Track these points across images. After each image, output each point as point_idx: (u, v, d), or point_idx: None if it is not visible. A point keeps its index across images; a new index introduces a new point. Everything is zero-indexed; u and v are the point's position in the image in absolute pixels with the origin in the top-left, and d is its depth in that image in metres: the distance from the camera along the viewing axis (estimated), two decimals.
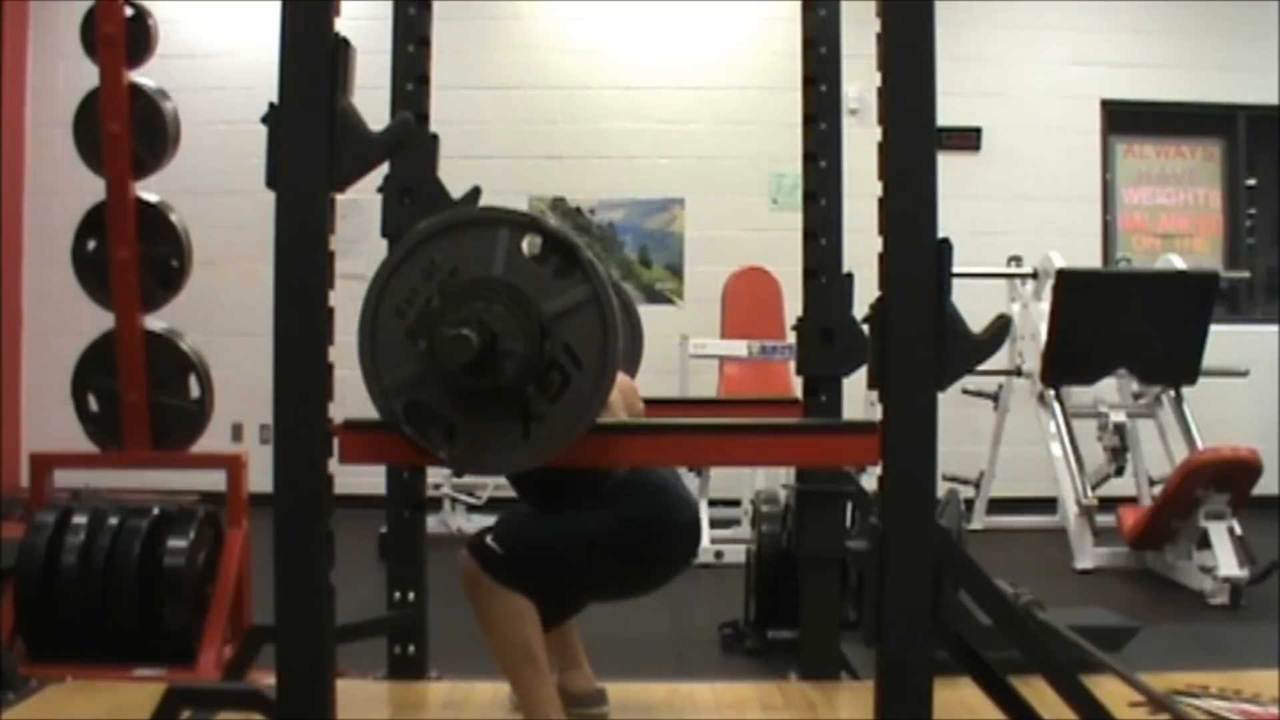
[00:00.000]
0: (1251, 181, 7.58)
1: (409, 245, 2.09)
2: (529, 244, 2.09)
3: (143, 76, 3.68)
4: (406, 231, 3.05)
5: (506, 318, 2.02)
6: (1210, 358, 5.52)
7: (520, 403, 2.06)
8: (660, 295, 7.23)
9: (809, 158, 3.19)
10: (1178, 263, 6.04)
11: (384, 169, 2.80)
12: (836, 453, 2.60)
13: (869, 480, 2.92)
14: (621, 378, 2.68)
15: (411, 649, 3.10)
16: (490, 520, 2.86)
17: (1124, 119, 7.45)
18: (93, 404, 3.71)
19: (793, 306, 3.85)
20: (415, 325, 2.06)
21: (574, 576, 2.59)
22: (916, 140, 1.92)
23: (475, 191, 3.05)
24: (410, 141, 2.57)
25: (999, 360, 5.30)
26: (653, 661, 3.78)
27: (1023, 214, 7.10)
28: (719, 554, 5.36)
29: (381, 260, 2.12)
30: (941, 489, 2.47)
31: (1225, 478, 4.81)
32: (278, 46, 1.93)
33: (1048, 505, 6.16)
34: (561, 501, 2.56)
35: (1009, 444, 6.39)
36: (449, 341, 1.99)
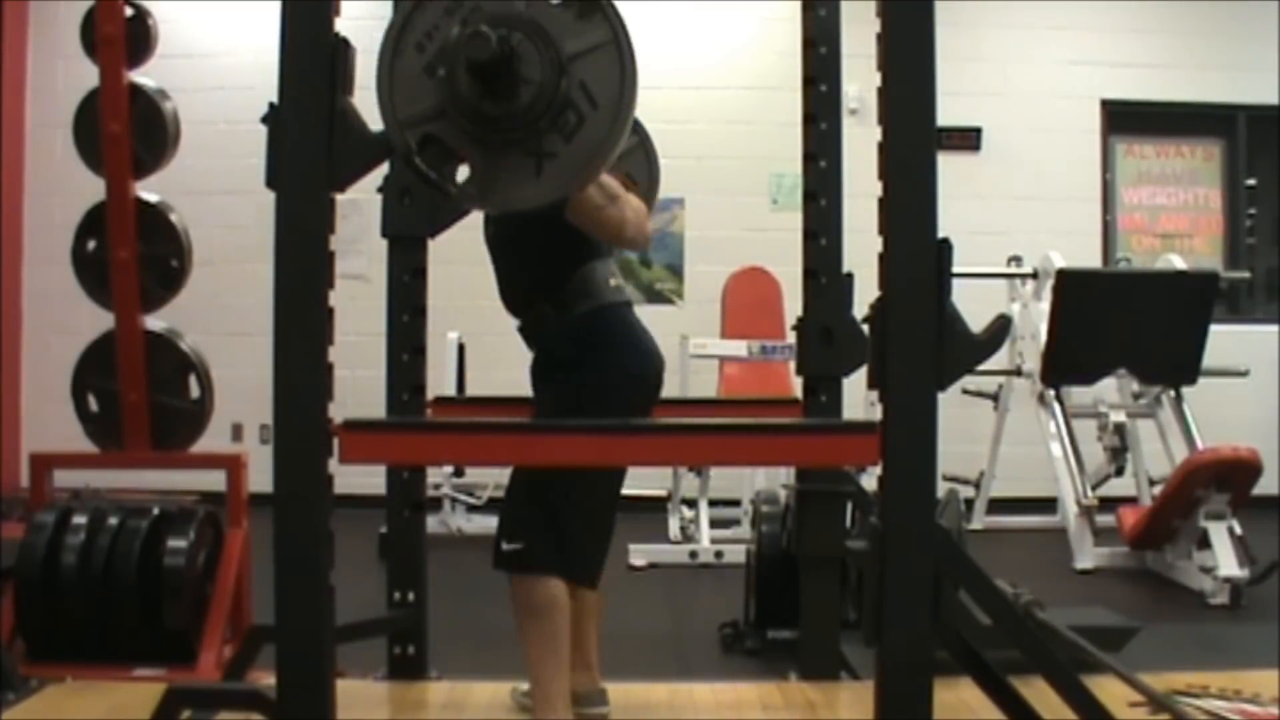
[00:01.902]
0: (1251, 181, 7.58)
1: None
2: None
3: (143, 76, 3.68)
4: (406, 232, 3.09)
5: (527, 46, 1.99)
6: (1210, 358, 5.52)
7: (535, 139, 2.03)
8: (660, 295, 7.23)
9: (809, 158, 3.19)
10: (1178, 263, 6.04)
11: (384, 169, 2.80)
12: (836, 453, 2.60)
13: (869, 480, 2.92)
14: (635, 198, 2.67)
15: (411, 649, 3.10)
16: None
17: (1124, 119, 7.45)
18: (93, 404, 3.71)
19: (793, 306, 3.84)
20: (435, 58, 2.01)
21: (579, 499, 2.61)
22: (916, 140, 1.92)
23: None
24: None
25: (999, 360, 5.32)
26: (653, 661, 3.78)
27: (1023, 214, 7.10)
28: (719, 554, 5.36)
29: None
30: (941, 489, 2.47)
31: (1225, 478, 4.81)
32: (278, 46, 1.93)
33: (1048, 505, 6.16)
34: (530, 292, 2.60)
35: (1009, 444, 6.38)
36: (468, 38, 1.94)
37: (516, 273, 2.70)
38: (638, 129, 3.16)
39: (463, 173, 2.07)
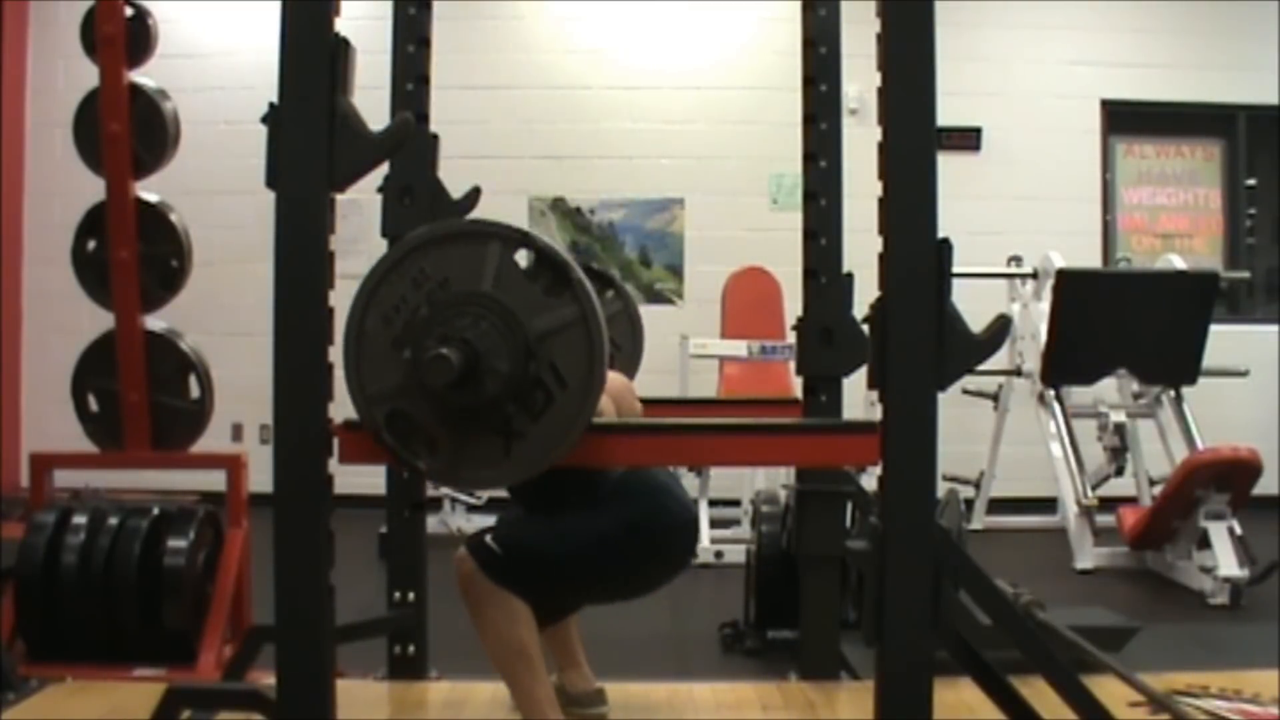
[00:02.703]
0: (1251, 181, 7.58)
1: (400, 253, 2.08)
2: (521, 259, 2.08)
3: (143, 76, 3.68)
4: (406, 233, 3.08)
5: (493, 335, 2.01)
6: (1210, 358, 5.52)
7: (502, 419, 2.05)
8: (660, 295, 7.23)
9: (809, 158, 3.19)
10: (1178, 263, 6.04)
11: (384, 169, 2.80)
12: (836, 453, 2.60)
13: (869, 480, 2.92)
14: (618, 378, 2.68)
15: (411, 649, 3.10)
16: (491, 520, 2.86)
17: (1124, 119, 7.45)
18: (93, 404, 3.71)
19: (793, 306, 3.85)
20: (402, 334, 2.04)
21: (571, 579, 2.58)
22: (916, 140, 1.92)
23: (475, 191, 3.06)
24: (410, 141, 2.57)
25: (999, 360, 5.30)
26: (653, 661, 3.78)
27: (1023, 214, 7.10)
28: (719, 554, 5.36)
29: (371, 266, 2.11)
30: (941, 489, 2.47)
31: (1225, 478, 4.81)
32: (278, 46, 1.93)
33: (1048, 505, 6.16)
34: (554, 504, 2.55)
35: (1009, 444, 6.39)
36: (429, 361, 1.98)
37: (531, 489, 2.59)
38: (620, 293, 3.18)
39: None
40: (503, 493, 2.71)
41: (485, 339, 2.01)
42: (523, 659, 2.48)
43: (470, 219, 2.10)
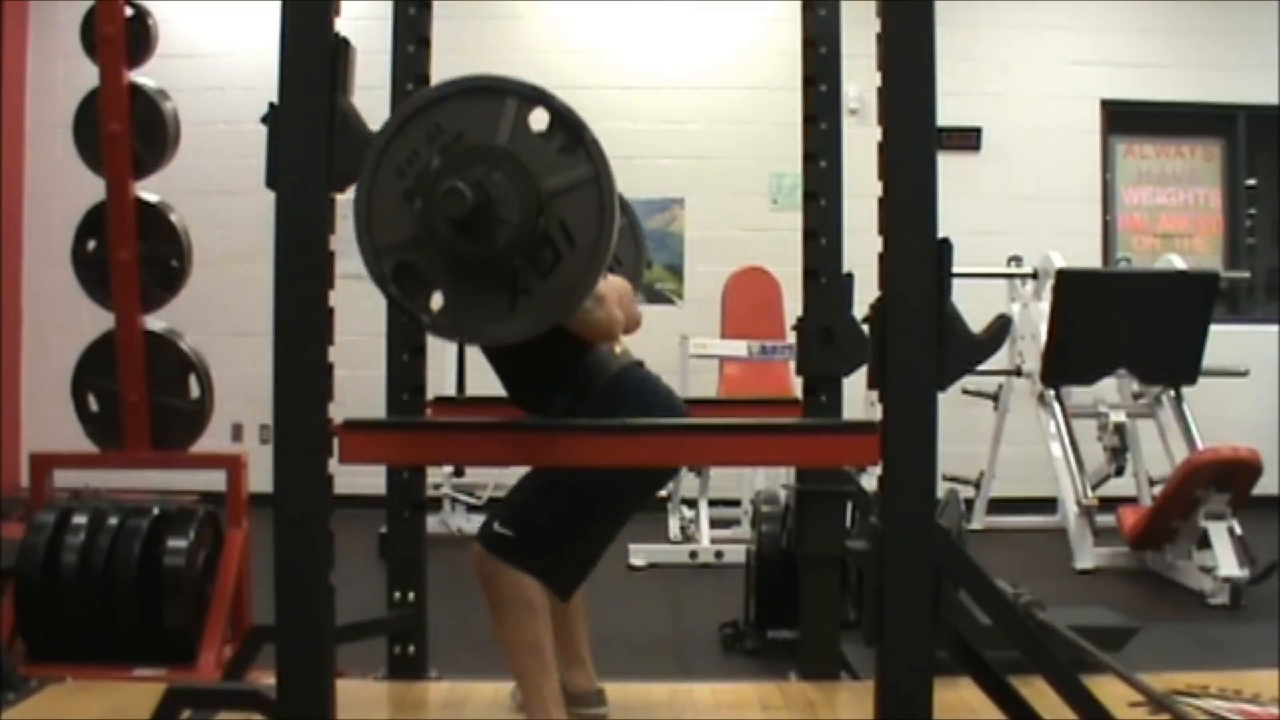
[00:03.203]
0: (1251, 181, 7.58)
1: (415, 107, 2.05)
2: (536, 118, 2.05)
3: (143, 76, 3.68)
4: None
5: (505, 186, 1.99)
6: (1210, 358, 5.52)
7: (510, 275, 2.03)
8: (660, 295, 7.23)
9: (809, 158, 3.19)
10: (1178, 263, 6.03)
11: None
12: (836, 453, 2.61)
13: (869, 480, 2.92)
14: (620, 281, 2.67)
15: (411, 649, 3.10)
16: None
17: (1124, 119, 7.45)
18: (93, 404, 3.71)
19: (793, 306, 3.85)
20: (413, 187, 2.02)
21: (583, 514, 2.59)
22: (916, 140, 1.92)
23: None
24: None
25: (999, 360, 5.31)
26: (653, 661, 3.78)
27: (1023, 214, 7.10)
28: (719, 554, 5.36)
29: (385, 121, 2.08)
30: (941, 489, 2.47)
31: (1225, 478, 4.81)
32: (278, 46, 1.93)
33: (1048, 505, 6.16)
34: (545, 398, 2.57)
35: (1009, 444, 6.38)
36: (443, 194, 1.95)
37: (525, 376, 2.67)
38: (624, 208, 3.17)
39: (438, 298, 2.07)
40: (502, 493, 2.71)
41: (498, 188, 1.99)
42: (535, 655, 2.51)
43: (486, 74, 2.06)
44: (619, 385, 2.61)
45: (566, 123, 2.04)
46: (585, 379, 2.59)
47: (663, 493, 5.89)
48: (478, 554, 2.53)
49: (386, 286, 2.06)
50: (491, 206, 1.98)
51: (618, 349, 2.68)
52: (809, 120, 3.19)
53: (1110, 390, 5.92)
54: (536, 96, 2.04)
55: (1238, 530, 4.76)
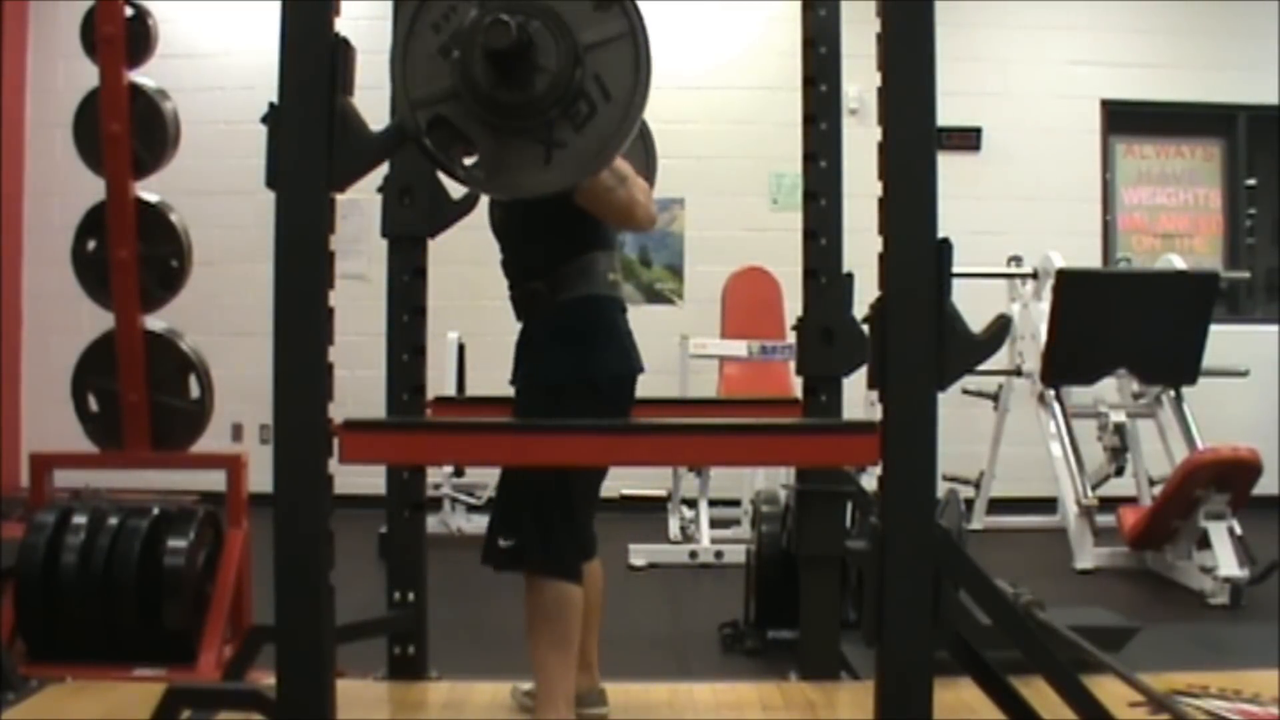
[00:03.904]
0: (1251, 181, 7.58)
1: None
2: None
3: (143, 76, 3.68)
4: (406, 233, 3.08)
5: (544, 34, 1.99)
6: (1210, 358, 5.52)
7: (545, 127, 2.03)
8: (660, 295, 7.23)
9: (809, 158, 3.19)
10: (1178, 263, 6.04)
11: (384, 169, 2.80)
12: (836, 453, 2.60)
13: (869, 480, 2.92)
14: (640, 180, 2.68)
15: (411, 649, 3.10)
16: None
17: (1124, 119, 7.45)
18: (93, 404, 3.71)
19: (793, 306, 3.84)
20: (451, 39, 2.01)
21: (567, 483, 2.59)
22: (916, 140, 1.92)
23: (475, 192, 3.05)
24: (410, 142, 2.57)
25: (999, 360, 5.31)
26: (653, 661, 3.79)
27: (1023, 214, 7.10)
28: (719, 554, 5.36)
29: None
30: (941, 489, 2.47)
31: (1225, 478, 4.81)
32: (278, 46, 1.93)
33: (1048, 505, 6.15)
34: (531, 262, 2.61)
35: (1009, 444, 6.38)
36: (488, 26, 1.94)
37: (521, 251, 2.69)
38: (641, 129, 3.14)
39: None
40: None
41: (538, 34, 1.98)
42: (560, 652, 2.54)
43: None
44: (591, 306, 2.61)
45: None
46: (568, 278, 2.59)
47: (662, 493, 5.91)
48: (528, 589, 2.57)
49: (421, 140, 2.05)
50: (532, 51, 1.97)
51: (612, 276, 2.68)
52: (809, 120, 3.19)
53: (1110, 390, 5.93)
54: None
55: (1238, 530, 4.76)
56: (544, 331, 2.62)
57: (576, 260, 2.61)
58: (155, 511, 3.44)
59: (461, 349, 6.08)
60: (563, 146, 2.03)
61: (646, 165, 3.08)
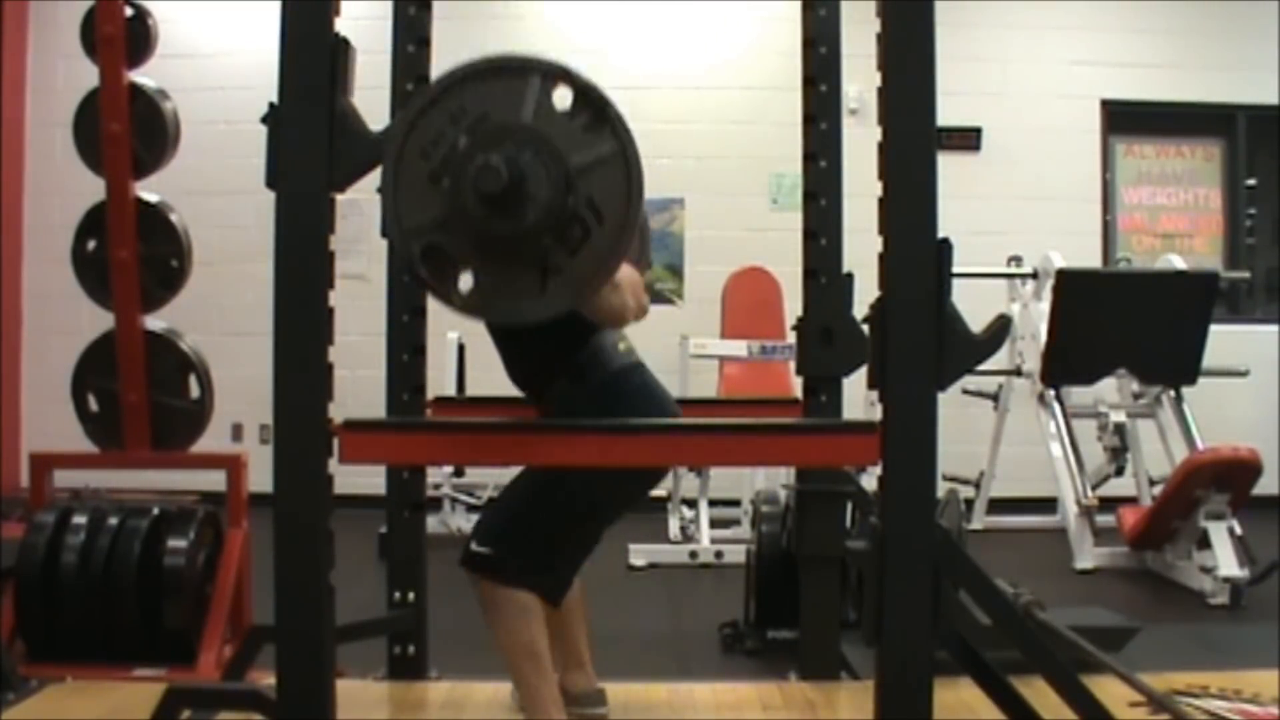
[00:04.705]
0: (1251, 181, 7.58)
1: (439, 89, 2.04)
2: (560, 96, 2.05)
3: (143, 76, 3.68)
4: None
5: (534, 164, 1.98)
6: (1210, 358, 5.52)
7: (539, 253, 2.02)
8: (660, 295, 7.23)
9: (809, 158, 3.19)
10: (1178, 263, 6.04)
11: None
12: (836, 453, 2.60)
13: (869, 480, 2.92)
14: (631, 270, 2.67)
15: (411, 649, 3.10)
16: None
17: (1124, 119, 7.45)
18: (93, 404, 3.71)
19: (793, 306, 3.85)
20: (440, 167, 2.01)
21: (565, 514, 2.57)
22: (916, 140, 1.92)
23: None
24: None
25: (999, 360, 5.32)
26: (653, 661, 3.79)
27: (1023, 214, 7.10)
28: (719, 554, 5.36)
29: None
30: (941, 489, 2.47)
31: (1225, 478, 4.81)
32: (278, 46, 1.93)
33: (1048, 505, 6.16)
34: (546, 376, 2.57)
35: (1009, 444, 6.38)
36: (479, 170, 1.94)
37: (525, 355, 2.66)
38: None
39: (466, 279, 2.06)
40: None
41: (528, 165, 1.98)
42: (531, 659, 2.51)
43: (509, 54, 2.06)
44: (620, 383, 2.60)
45: (590, 99, 2.03)
46: (587, 366, 2.58)
47: (662, 493, 5.91)
48: (471, 578, 2.55)
49: (416, 269, 2.05)
50: (523, 183, 1.97)
51: (622, 345, 2.67)
52: (809, 120, 3.19)
53: (1110, 390, 5.93)
54: (559, 73, 2.03)
55: (1238, 530, 4.76)
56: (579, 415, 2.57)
57: (585, 348, 2.58)
58: (155, 511, 3.44)
59: (461, 349, 6.08)
60: (558, 271, 2.03)
61: (641, 247, 3.07)
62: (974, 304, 2.18)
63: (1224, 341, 5.77)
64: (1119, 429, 5.55)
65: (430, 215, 2.01)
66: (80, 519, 3.38)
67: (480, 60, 2.06)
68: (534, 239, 2.00)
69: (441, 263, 2.03)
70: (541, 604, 2.55)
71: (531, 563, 2.53)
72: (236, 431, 6.62)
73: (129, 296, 3.61)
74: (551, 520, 2.56)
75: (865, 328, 2.01)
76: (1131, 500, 5.77)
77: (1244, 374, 6.07)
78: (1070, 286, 5.43)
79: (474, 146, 1.98)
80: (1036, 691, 2.00)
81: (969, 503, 6.22)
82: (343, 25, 1.99)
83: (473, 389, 5.95)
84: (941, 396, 1.91)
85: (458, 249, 2.02)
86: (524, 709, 2.59)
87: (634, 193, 2.03)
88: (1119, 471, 5.60)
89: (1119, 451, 5.55)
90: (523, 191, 1.96)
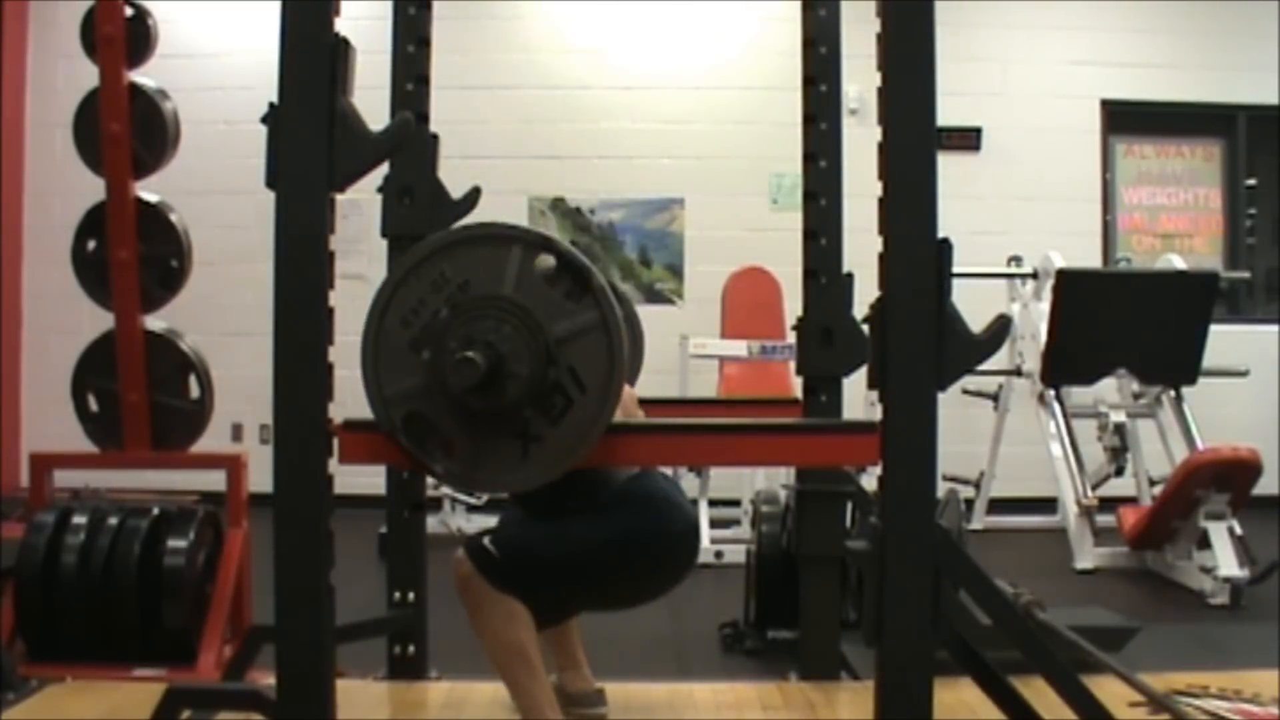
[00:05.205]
0: (1251, 181, 7.58)
1: (419, 256, 2.07)
2: (541, 263, 2.07)
3: (143, 76, 3.68)
4: (406, 233, 3.09)
5: (514, 339, 2.01)
6: (1210, 358, 5.52)
7: (521, 423, 2.05)
8: (660, 295, 7.23)
9: (809, 158, 3.19)
10: (1178, 263, 6.04)
11: (384, 169, 2.80)
12: (836, 453, 2.60)
13: (869, 480, 2.92)
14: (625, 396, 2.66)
15: (411, 649, 3.10)
16: (491, 521, 2.85)
17: (1124, 119, 7.45)
18: (93, 404, 3.71)
19: (793, 306, 3.84)
20: (421, 336, 2.04)
21: (570, 585, 2.56)
22: (916, 140, 1.92)
23: (475, 191, 3.06)
24: (410, 141, 2.58)
25: (999, 360, 5.31)
26: (653, 661, 3.79)
27: (1023, 214, 7.10)
28: (719, 554, 5.35)
29: (388, 269, 2.09)
30: (941, 489, 2.47)
31: (1225, 478, 4.81)
32: (278, 46, 1.93)
33: (1048, 505, 6.16)
34: (556, 508, 2.53)
35: (1009, 444, 6.39)
36: (456, 364, 1.97)
37: (529, 495, 2.59)
38: (621, 300, 3.14)
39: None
40: (503, 494, 2.70)
41: (507, 342, 2.01)
42: (521, 659, 2.48)
43: (491, 222, 2.09)
44: (630, 492, 2.57)
45: (572, 267, 2.06)
46: (594, 485, 2.54)
47: None
48: (459, 559, 2.49)
49: (397, 438, 2.07)
50: (503, 364, 2.00)
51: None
52: (809, 120, 3.19)
53: (1110, 390, 5.93)
54: (541, 243, 2.07)
55: (1238, 530, 4.76)
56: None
57: (589, 471, 2.49)
58: (155, 511, 3.44)
59: None
60: (540, 441, 2.05)
61: (634, 349, 3.08)
62: (974, 304, 2.18)
63: (1224, 341, 5.78)
64: (1119, 429, 5.55)
65: (411, 384, 2.05)
66: (80, 519, 3.38)
67: (461, 229, 2.11)
68: (515, 411, 2.03)
69: (423, 431, 2.06)
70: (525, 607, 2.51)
71: (531, 596, 2.49)
72: (236, 431, 6.62)
73: (129, 296, 3.61)
74: (560, 578, 2.52)
75: (865, 328, 2.01)
76: (1131, 500, 5.77)
77: (1244, 374, 6.07)
78: (1070, 286, 5.43)
79: (455, 319, 2.01)
80: (1036, 691, 2.00)
81: (969, 503, 6.22)
82: (343, 25, 1.99)
83: None
84: (941, 396, 1.91)
85: (439, 418, 2.05)
86: (519, 712, 2.58)
87: (616, 361, 2.06)
88: (1119, 471, 5.60)
89: (1119, 451, 5.55)
90: (502, 372, 2.00)
